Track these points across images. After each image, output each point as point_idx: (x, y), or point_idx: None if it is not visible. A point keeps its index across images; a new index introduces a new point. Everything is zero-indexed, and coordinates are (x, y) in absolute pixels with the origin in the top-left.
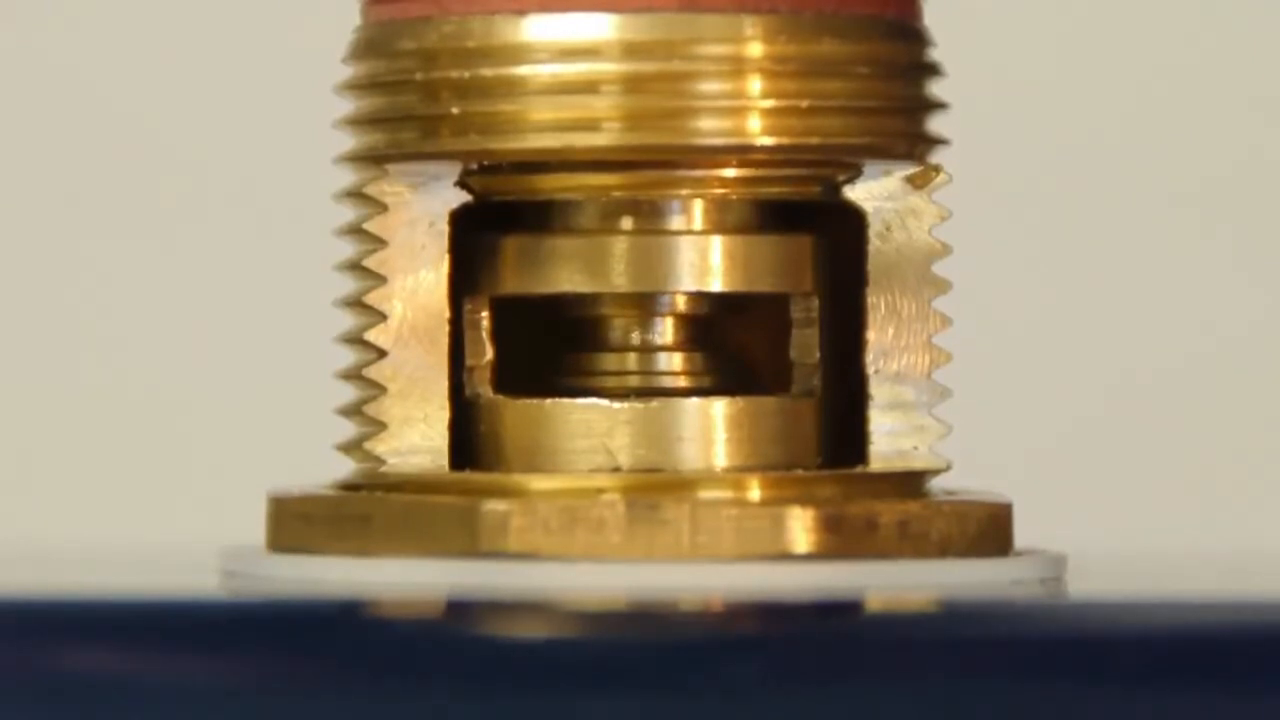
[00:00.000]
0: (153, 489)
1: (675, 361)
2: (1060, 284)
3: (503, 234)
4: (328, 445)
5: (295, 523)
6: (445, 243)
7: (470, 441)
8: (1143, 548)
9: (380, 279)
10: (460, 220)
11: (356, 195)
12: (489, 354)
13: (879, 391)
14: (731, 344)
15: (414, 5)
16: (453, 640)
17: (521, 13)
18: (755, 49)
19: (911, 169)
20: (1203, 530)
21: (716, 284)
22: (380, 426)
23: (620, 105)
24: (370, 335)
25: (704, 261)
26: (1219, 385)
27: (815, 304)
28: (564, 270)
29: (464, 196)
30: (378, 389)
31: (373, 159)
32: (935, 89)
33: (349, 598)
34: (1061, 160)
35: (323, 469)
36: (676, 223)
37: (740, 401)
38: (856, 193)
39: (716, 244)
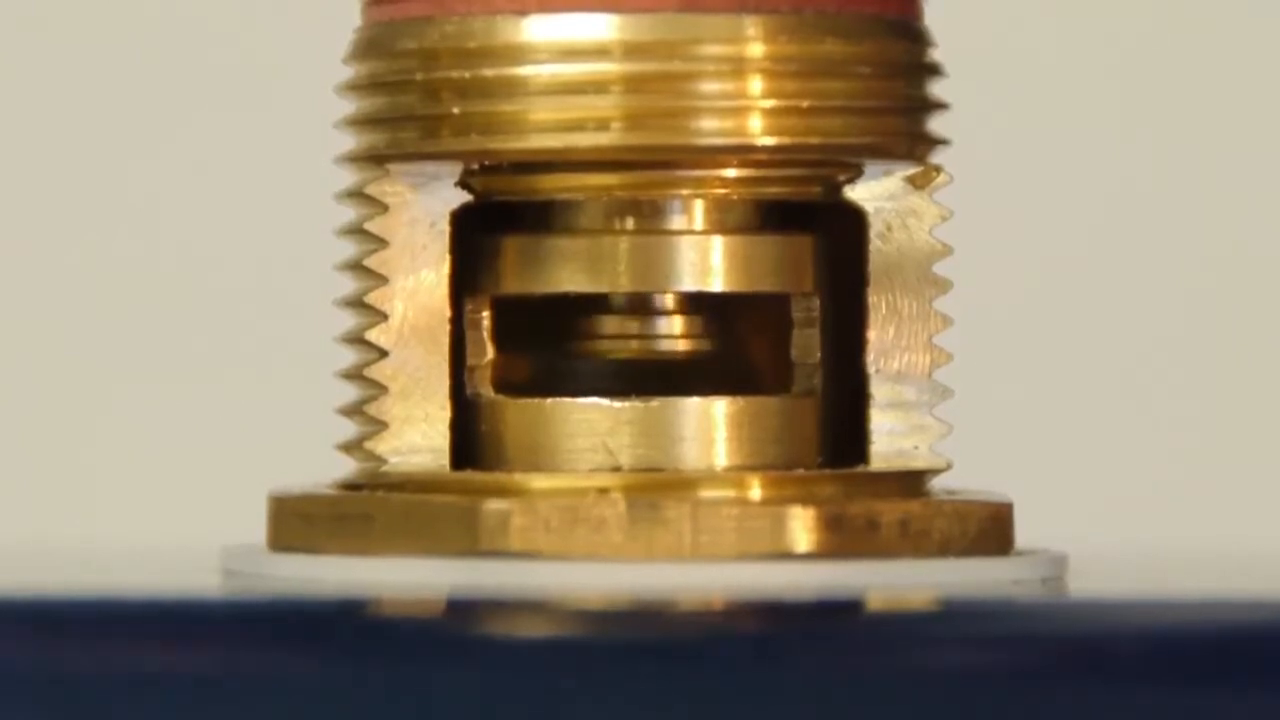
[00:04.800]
0: (153, 489)
1: (675, 325)
2: (1061, 283)
3: (504, 234)
4: (329, 445)
5: (296, 522)
6: (446, 243)
7: (471, 441)
8: (1143, 548)
9: (381, 279)
10: (461, 220)
11: (357, 195)
12: (490, 354)
13: (880, 391)
14: (732, 342)
15: (415, 5)
16: (453, 640)
17: (522, 13)
18: (756, 49)
19: (912, 169)
20: (1203, 530)
21: (717, 284)
22: (381, 426)
23: (621, 105)
24: (371, 335)
25: (705, 261)
26: (1220, 385)
27: (816, 304)
28: (565, 270)
29: (465, 196)
30: (379, 388)
31: (374, 159)
32: (936, 89)
33: (349, 598)
34: (1062, 159)
35: (323, 469)
36: (677, 223)
37: (741, 401)
38: (857, 193)
39: (717, 244)
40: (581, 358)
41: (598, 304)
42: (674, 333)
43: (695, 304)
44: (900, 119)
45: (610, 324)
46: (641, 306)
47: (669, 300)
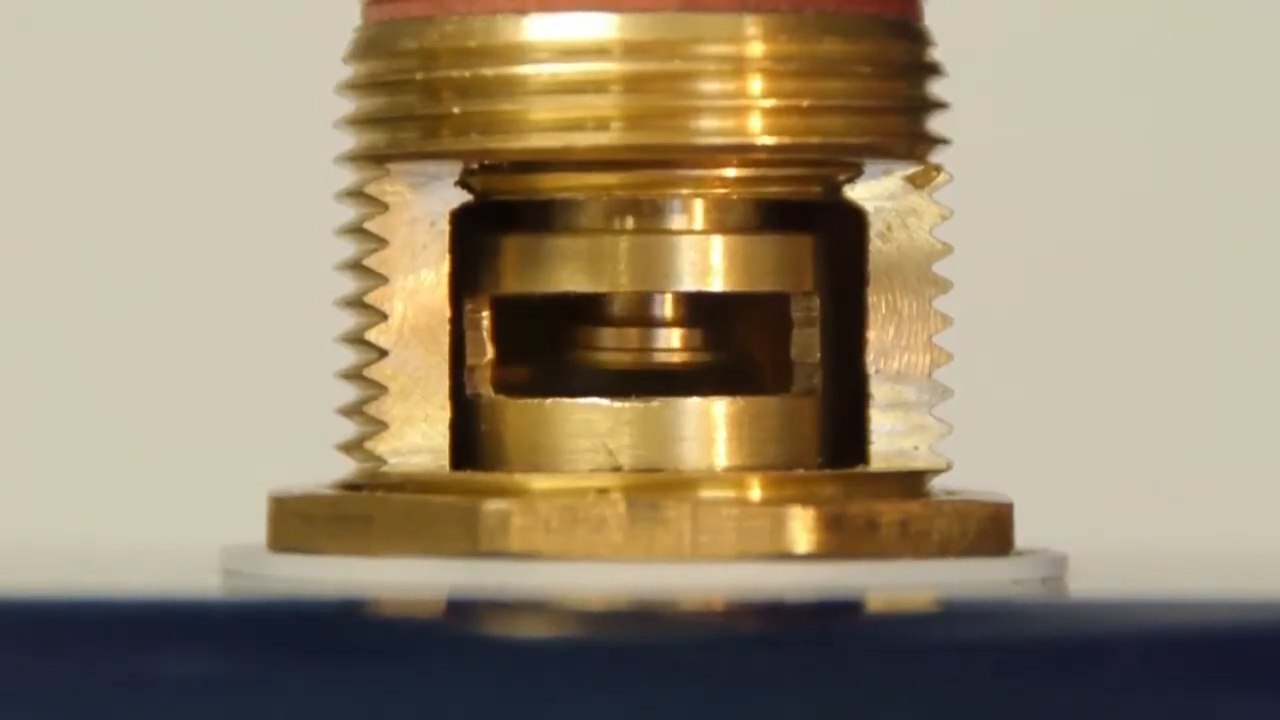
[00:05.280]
0: (153, 489)
1: (674, 338)
2: (1061, 283)
3: (503, 233)
4: (328, 445)
5: (296, 522)
6: (446, 242)
7: (471, 441)
8: (1143, 548)
9: (381, 278)
10: (461, 220)
11: (357, 195)
12: (489, 354)
13: (879, 391)
14: (732, 343)
15: (415, 5)
16: (453, 640)
17: (522, 12)
18: (756, 48)
19: (912, 169)
20: (1203, 530)
21: (717, 284)
22: (381, 426)
23: (621, 105)
24: (371, 335)
25: (705, 261)
26: (1220, 385)
27: (816, 303)
28: (565, 270)
29: (465, 196)
30: (379, 389)
31: (373, 158)
32: (936, 89)
33: (349, 598)
34: (1062, 159)
35: (323, 469)
36: (677, 222)
37: (741, 401)
38: (857, 192)
39: (717, 243)
40: (580, 367)
41: (596, 313)
42: (673, 346)
43: (694, 314)
44: (900, 119)
45: (609, 336)
46: (640, 317)
47: (668, 310)
